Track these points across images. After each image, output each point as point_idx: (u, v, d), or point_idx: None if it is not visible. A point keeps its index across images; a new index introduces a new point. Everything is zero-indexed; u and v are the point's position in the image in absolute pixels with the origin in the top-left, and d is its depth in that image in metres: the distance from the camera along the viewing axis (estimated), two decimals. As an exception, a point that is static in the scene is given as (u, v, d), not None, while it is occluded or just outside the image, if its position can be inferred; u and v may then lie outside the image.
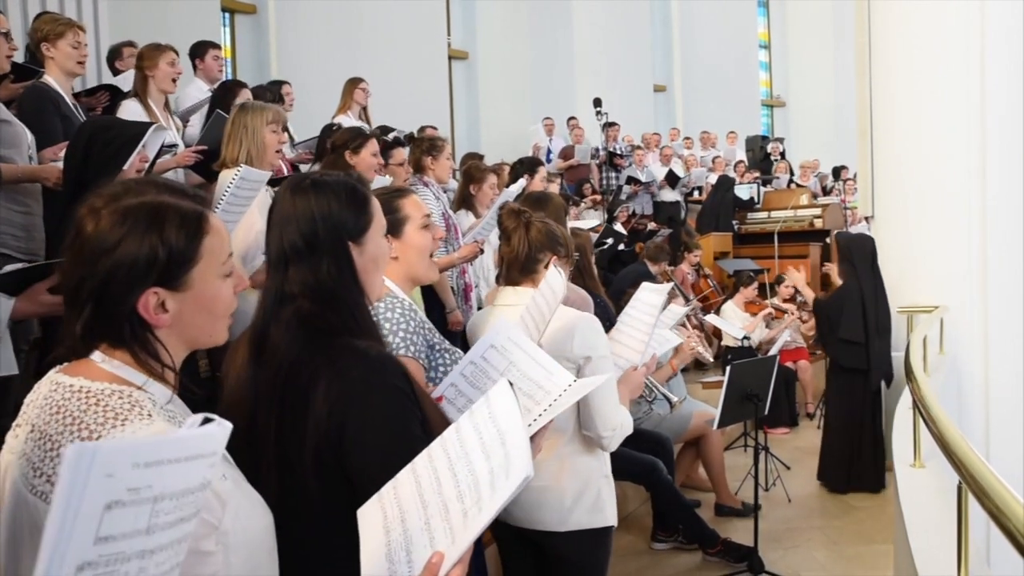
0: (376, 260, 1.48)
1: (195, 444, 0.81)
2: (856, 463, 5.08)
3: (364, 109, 5.80)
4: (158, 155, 3.26)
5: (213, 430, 0.82)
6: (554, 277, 1.91)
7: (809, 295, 5.83)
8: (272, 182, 2.96)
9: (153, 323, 1.06)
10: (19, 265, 2.25)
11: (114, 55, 4.97)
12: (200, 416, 0.84)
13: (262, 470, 1.28)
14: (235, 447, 1.28)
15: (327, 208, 1.41)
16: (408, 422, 1.32)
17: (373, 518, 1.15)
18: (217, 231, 1.12)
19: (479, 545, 1.85)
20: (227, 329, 1.18)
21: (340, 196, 1.43)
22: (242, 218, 2.73)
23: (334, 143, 3.73)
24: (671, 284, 4.26)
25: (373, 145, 3.66)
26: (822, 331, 5.39)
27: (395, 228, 1.85)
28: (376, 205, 1.49)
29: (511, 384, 1.19)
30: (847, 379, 5.18)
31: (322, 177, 1.47)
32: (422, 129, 6.89)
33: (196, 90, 4.77)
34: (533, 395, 1.42)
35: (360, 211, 1.44)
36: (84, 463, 0.72)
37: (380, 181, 3.53)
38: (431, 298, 3.80)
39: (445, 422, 1.39)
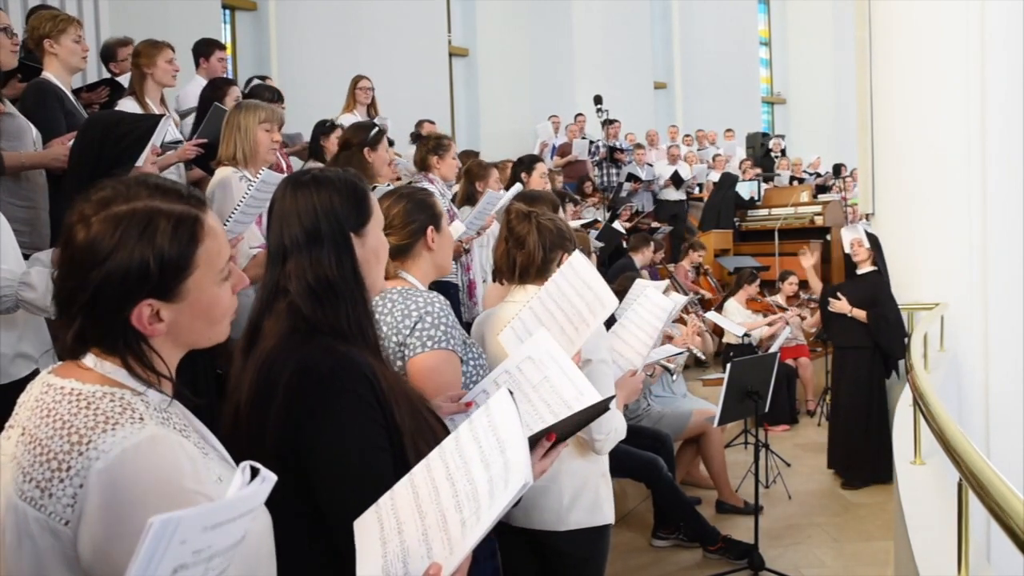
0: (376, 252, 1.50)
1: (247, 502, 0.81)
2: (876, 455, 5.10)
3: (369, 107, 5.76)
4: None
5: (260, 487, 0.82)
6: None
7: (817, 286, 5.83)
8: None
9: (147, 333, 1.03)
10: None
11: (108, 54, 4.79)
12: (247, 465, 0.83)
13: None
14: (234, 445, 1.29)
15: (329, 202, 1.44)
16: (364, 425, 1.32)
17: (370, 529, 1.15)
18: (213, 234, 1.07)
19: (491, 542, 1.84)
20: (227, 328, 1.15)
21: (341, 190, 1.46)
22: (254, 219, 2.75)
23: (348, 139, 3.78)
24: (667, 282, 4.26)
25: (386, 143, 3.79)
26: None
27: (437, 220, 1.94)
28: (374, 200, 1.52)
29: (511, 393, 1.19)
30: (857, 371, 5.23)
31: (323, 173, 1.50)
32: (420, 124, 6.87)
33: (197, 87, 4.74)
34: (560, 415, 1.44)
35: (360, 204, 1.47)
36: (167, 533, 0.73)
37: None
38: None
39: (428, 429, 1.40)
